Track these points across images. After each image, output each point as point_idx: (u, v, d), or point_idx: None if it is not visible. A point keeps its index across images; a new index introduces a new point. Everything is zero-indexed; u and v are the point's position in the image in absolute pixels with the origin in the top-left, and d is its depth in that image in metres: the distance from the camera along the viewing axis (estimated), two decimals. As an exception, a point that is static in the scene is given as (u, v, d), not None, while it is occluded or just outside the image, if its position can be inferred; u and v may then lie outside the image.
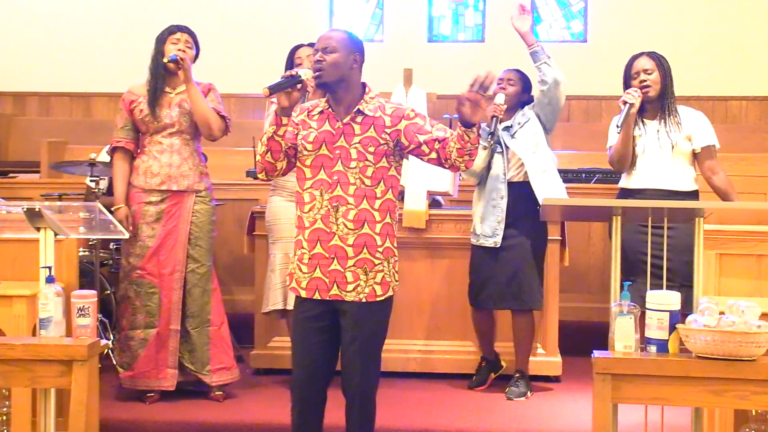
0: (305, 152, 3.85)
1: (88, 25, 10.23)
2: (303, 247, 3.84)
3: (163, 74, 5.20)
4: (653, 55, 5.26)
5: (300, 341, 3.93)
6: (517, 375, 5.45)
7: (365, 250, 3.79)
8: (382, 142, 3.80)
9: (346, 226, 3.78)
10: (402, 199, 5.82)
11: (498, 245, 5.37)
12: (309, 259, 3.83)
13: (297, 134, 3.89)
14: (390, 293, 3.88)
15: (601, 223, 6.53)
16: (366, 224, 3.78)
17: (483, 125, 5.35)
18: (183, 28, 5.27)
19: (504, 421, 4.98)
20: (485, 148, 5.34)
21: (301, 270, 3.86)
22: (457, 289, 5.80)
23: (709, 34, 9.49)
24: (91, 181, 5.98)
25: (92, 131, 9.35)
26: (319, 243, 3.80)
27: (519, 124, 5.41)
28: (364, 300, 3.81)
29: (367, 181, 3.79)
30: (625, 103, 5.06)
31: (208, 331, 5.25)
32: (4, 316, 4.30)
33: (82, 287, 4.67)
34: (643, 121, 5.20)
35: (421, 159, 3.89)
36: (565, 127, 9.48)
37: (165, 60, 5.11)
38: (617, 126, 5.08)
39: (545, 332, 5.78)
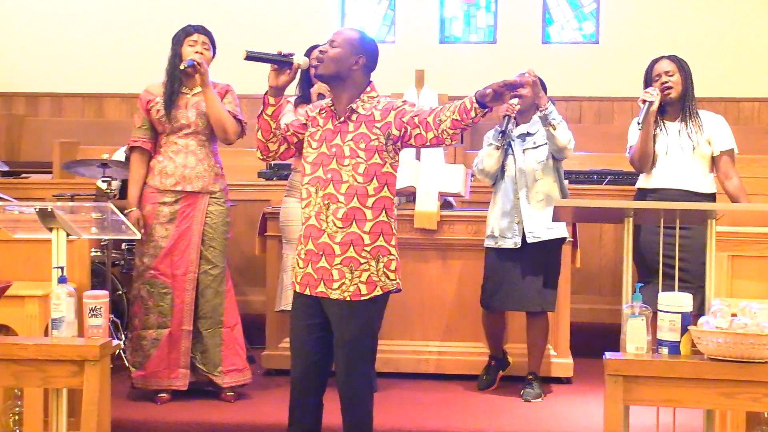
0: (309, 149, 3.92)
1: (100, 26, 10.26)
2: (301, 242, 3.92)
3: (180, 76, 5.19)
4: (674, 58, 5.31)
5: (295, 335, 4.02)
6: (530, 377, 5.44)
7: (352, 249, 3.82)
8: (373, 137, 3.84)
9: (335, 224, 3.82)
10: (414, 200, 5.82)
11: (518, 245, 5.35)
12: (305, 254, 3.89)
13: (307, 126, 3.97)
14: (377, 292, 3.86)
15: (612, 224, 6.52)
16: (354, 222, 3.82)
17: (496, 126, 5.35)
18: (200, 28, 5.24)
19: (515, 423, 4.97)
20: (498, 148, 5.34)
21: (299, 265, 3.93)
22: (468, 290, 5.79)
23: (720, 35, 9.47)
24: (103, 181, 5.99)
25: (104, 132, 9.39)
26: (311, 239, 3.86)
27: (534, 142, 5.39)
28: (348, 298, 3.83)
29: (360, 179, 3.82)
30: (644, 102, 5.09)
31: (220, 332, 5.25)
32: (16, 316, 4.31)
33: (93, 287, 4.69)
34: (664, 123, 5.24)
35: (412, 144, 3.90)
36: (576, 128, 9.41)
37: (182, 67, 5.09)
38: (638, 124, 5.10)
39: (557, 334, 5.77)
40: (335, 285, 3.83)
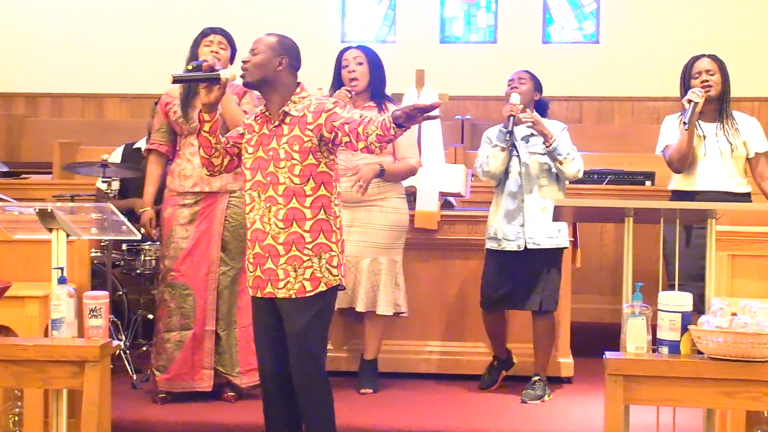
0: (246, 154, 4.02)
1: (100, 27, 10.26)
2: (249, 247, 4.03)
3: None
4: (714, 57, 5.32)
5: (256, 338, 4.15)
6: (536, 378, 5.40)
7: (294, 248, 3.92)
8: (306, 139, 3.91)
9: (276, 226, 3.92)
10: (414, 201, 5.82)
11: (522, 248, 5.30)
12: (253, 258, 4.00)
13: (244, 135, 4.06)
14: (322, 288, 3.95)
15: (612, 224, 6.52)
16: (295, 222, 3.91)
17: (500, 126, 5.31)
18: (217, 29, 5.28)
19: (515, 422, 4.97)
20: (503, 149, 5.31)
21: (249, 269, 4.04)
22: (469, 290, 5.79)
23: (719, 34, 9.46)
24: (103, 182, 5.99)
25: (104, 132, 9.39)
26: (257, 243, 3.97)
27: (537, 144, 5.34)
28: (293, 296, 3.93)
29: (296, 180, 3.91)
30: (689, 101, 5.11)
31: (235, 332, 5.25)
32: (16, 317, 4.31)
33: (94, 288, 4.68)
34: (699, 124, 5.24)
35: (344, 148, 4.00)
36: (576, 128, 9.43)
37: (189, 66, 5.07)
38: (684, 124, 5.09)
39: (557, 333, 5.76)
40: (281, 284, 3.93)
